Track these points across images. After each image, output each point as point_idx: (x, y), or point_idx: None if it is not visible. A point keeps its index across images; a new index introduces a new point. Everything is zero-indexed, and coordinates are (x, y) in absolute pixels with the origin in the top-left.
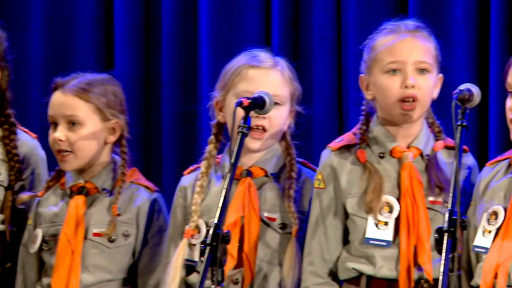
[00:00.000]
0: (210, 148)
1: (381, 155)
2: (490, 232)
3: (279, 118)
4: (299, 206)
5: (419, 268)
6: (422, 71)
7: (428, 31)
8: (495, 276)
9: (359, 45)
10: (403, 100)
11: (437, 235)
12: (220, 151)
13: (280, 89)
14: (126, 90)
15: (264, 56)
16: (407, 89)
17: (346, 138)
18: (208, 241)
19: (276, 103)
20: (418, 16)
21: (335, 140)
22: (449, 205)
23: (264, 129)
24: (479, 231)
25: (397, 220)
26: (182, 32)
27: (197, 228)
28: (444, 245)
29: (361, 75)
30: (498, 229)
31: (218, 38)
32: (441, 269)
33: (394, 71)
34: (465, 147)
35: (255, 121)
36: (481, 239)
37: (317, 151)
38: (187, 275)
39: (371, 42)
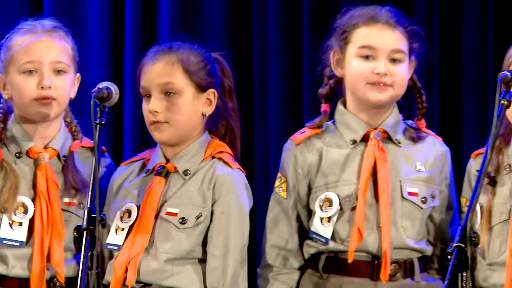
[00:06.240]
0: None
1: (17, 154)
2: (123, 229)
3: None
4: None
5: (52, 268)
6: (59, 71)
7: (65, 31)
8: (126, 271)
9: None
10: (42, 98)
11: (76, 234)
12: None
13: None
14: None
15: None
16: (43, 90)
17: None
18: None
19: None
20: (53, 15)
21: None
22: (88, 203)
23: None
24: (112, 229)
25: (32, 220)
26: None
27: None
28: (83, 243)
29: None
30: (132, 226)
31: None
32: (80, 267)
33: (30, 71)
34: (102, 147)
35: None
36: (114, 237)
37: None
38: None
39: (7, 42)
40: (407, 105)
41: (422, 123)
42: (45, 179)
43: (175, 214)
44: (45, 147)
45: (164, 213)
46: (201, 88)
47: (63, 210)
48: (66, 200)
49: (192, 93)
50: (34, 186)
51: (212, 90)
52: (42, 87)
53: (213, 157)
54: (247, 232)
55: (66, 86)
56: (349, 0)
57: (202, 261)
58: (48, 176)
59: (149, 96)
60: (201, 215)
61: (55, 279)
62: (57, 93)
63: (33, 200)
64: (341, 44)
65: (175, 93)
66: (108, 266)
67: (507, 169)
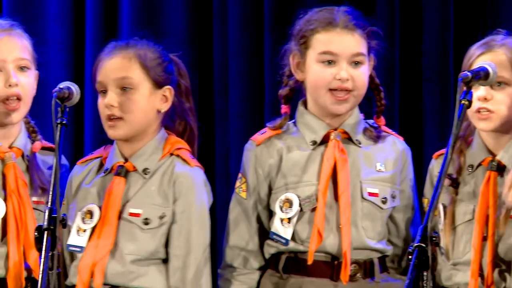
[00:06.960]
0: None
1: None
2: (85, 231)
3: None
4: None
5: (28, 266)
6: (23, 68)
7: (22, 29)
8: (92, 275)
9: None
10: (9, 97)
11: (37, 233)
12: None
13: None
14: None
15: None
16: (11, 87)
17: None
18: None
19: None
20: (13, 13)
21: None
22: (49, 203)
23: None
24: (73, 230)
25: (4, 220)
26: None
27: None
28: (44, 243)
29: None
30: (94, 228)
31: None
32: (41, 267)
33: None
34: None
35: None
36: (76, 238)
37: None
38: None
39: None
40: (365, 103)
41: (381, 121)
42: (14, 179)
43: (138, 215)
44: (10, 147)
45: (127, 214)
46: (158, 84)
47: (33, 209)
48: (35, 199)
49: (149, 89)
50: (4, 185)
51: (168, 87)
52: (9, 85)
53: (171, 154)
54: (209, 231)
55: (31, 83)
56: (311, 0)
57: (165, 261)
58: (17, 175)
59: (105, 91)
60: (165, 215)
61: (32, 277)
62: (24, 90)
63: (4, 199)
64: (301, 49)
65: (132, 88)
66: (71, 268)
67: (470, 170)
